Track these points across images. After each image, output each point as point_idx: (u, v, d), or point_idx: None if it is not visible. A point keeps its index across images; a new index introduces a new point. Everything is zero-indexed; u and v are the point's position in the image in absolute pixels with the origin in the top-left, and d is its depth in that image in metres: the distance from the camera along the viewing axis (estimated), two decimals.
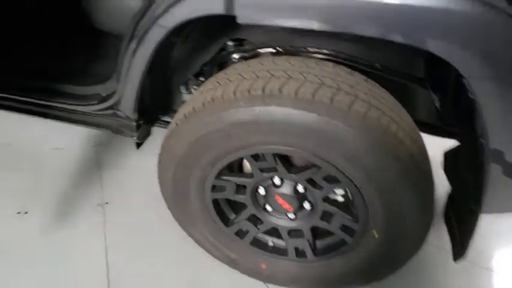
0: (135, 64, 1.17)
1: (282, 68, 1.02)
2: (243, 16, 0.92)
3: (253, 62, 1.08)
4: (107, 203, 1.72)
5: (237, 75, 1.05)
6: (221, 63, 1.35)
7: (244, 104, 0.99)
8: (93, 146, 2.02)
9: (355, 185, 1.04)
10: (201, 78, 1.39)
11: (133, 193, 1.75)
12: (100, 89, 1.31)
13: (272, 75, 1.00)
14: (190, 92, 1.41)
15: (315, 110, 0.93)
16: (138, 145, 1.38)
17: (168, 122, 1.56)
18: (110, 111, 1.29)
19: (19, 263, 1.46)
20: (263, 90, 0.97)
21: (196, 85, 1.39)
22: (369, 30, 0.89)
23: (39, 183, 1.78)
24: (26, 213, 1.66)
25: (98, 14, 1.44)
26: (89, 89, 1.33)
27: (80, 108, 1.33)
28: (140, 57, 1.15)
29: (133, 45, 1.14)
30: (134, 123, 1.28)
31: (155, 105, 1.35)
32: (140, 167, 1.87)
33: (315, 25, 0.91)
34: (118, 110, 1.27)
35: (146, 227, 1.60)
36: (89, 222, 1.62)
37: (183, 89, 1.42)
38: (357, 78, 1.03)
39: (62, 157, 1.94)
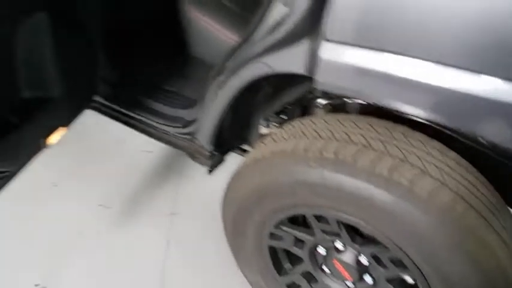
0: (219, 97, 1.18)
1: (362, 133, 0.92)
2: (323, 83, 0.85)
3: (332, 119, 1.01)
4: (176, 213, 1.79)
5: (313, 130, 0.99)
6: (305, 105, 1.30)
7: (314, 165, 0.92)
8: (178, 154, 2.12)
9: (426, 279, 0.90)
10: (283, 116, 1.36)
11: (204, 209, 1.79)
12: (185, 114, 1.36)
13: (349, 138, 0.92)
14: (269, 127, 1.39)
15: (391, 190, 0.83)
16: (210, 171, 1.39)
17: (244, 150, 1.56)
18: (188, 137, 1.33)
19: (85, 251, 1.62)
20: (336, 155, 0.89)
21: (276, 122, 1.36)
22: (495, 137, 0.75)
23: (126, 180, 1.93)
24: (108, 207, 1.82)
25: (194, 41, 1.50)
26: (176, 112, 1.39)
27: (164, 127, 1.40)
28: (225, 92, 1.15)
29: (221, 78, 1.15)
30: (208, 153, 1.30)
31: (232, 137, 1.35)
32: (217, 185, 1.91)
33: (416, 112, 0.80)
34: (195, 137, 1.30)
35: (208, 246, 1.63)
36: (157, 228, 1.71)
37: (262, 123, 1.40)
38: (450, 158, 0.89)
39: (150, 160, 2.07)
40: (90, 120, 2.22)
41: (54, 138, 1.26)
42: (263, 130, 1.41)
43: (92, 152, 2.10)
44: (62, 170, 1.96)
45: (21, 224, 1.70)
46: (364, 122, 0.97)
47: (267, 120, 1.38)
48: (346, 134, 0.93)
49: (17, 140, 1.12)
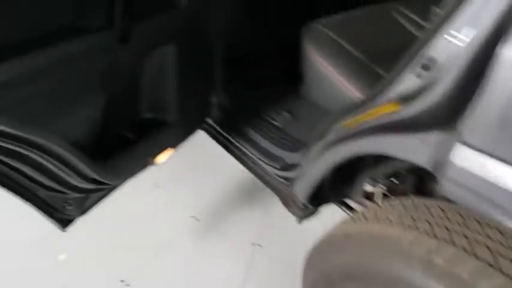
0: (323, 159, 1.08)
1: (490, 245, 0.74)
2: (448, 190, 0.69)
3: (453, 211, 0.83)
4: (260, 245, 1.76)
5: (426, 222, 0.83)
6: (421, 175, 1.13)
7: (418, 267, 0.77)
8: None
9: None
10: (394, 180, 1.21)
11: (288, 249, 1.72)
12: (287, 156, 1.30)
13: (471, 248, 0.74)
14: (375, 187, 1.25)
15: None
16: (300, 221, 1.32)
17: (342, 202, 1.44)
18: (284, 181, 1.27)
19: (170, 256, 1.70)
20: (449, 263, 0.73)
21: (385, 185, 1.22)
22: None
23: (221, 198, 1.97)
24: (198, 220, 1.87)
25: (309, 83, 1.43)
26: (278, 151, 1.34)
27: (262, 163, 1.37)
28: (331, 156, 1.05)
29: (329, 138, 1.05)
30: (301, 205, 1.22)
31: (330, 193, 1.25)
32: (306, 228, 1.82)
33: None
34: (292, 186, 1.23)
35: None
36: (237, 255, 1.71)
37: (368, 181, 1.27)
38: None
39: (247, 182, 2.07)
40: (202, 133, 2.35)
41: (161, 157, 1.33)
42: (368, 188, 1.28)
43: (197, 163, 2.19)
44: (167, 174, 2.08)
45: (115, 218, 1.82)
46: (495, 228, 0.78)
47: (375, 180, 1.24)
48: (468, 240, 0.76)
49: (128, 156, 1.20)
